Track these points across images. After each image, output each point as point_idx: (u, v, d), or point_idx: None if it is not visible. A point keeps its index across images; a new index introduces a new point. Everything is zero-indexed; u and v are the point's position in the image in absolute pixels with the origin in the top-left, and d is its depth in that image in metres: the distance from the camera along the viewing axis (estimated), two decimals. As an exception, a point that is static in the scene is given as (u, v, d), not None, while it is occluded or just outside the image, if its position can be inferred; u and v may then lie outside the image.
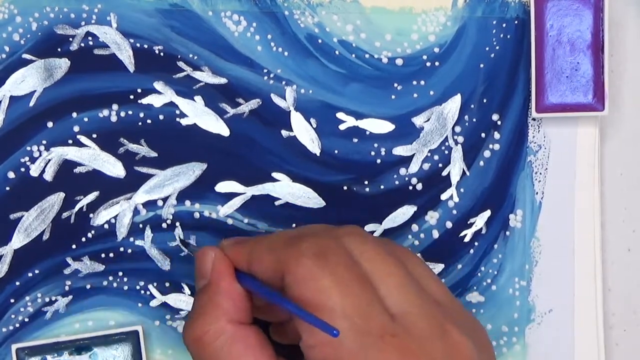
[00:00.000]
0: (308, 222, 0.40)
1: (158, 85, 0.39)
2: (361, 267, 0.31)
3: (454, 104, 0.40)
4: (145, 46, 0.39)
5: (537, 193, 0.41)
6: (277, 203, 0.40)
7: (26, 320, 0.39)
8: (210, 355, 0.32)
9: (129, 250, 0.40)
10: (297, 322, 0.31)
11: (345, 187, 0.40)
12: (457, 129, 0.40)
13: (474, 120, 0.40)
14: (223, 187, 0.40)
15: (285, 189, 0.40)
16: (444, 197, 0.41)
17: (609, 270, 0.42)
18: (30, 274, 0.39)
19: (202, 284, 0.34)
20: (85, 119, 0.39)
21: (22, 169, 0.39)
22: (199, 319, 0.32)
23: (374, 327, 0.30)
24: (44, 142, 0.39)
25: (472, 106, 0.40)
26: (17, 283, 0.39)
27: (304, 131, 0.40)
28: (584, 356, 0.40)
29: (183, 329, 0.33)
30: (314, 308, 0.30)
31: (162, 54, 0.39)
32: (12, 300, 0.39)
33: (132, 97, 0.39)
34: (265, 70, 0.40)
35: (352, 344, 0.30)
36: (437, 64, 0.40)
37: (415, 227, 0.41)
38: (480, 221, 0.41)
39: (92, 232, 0.40)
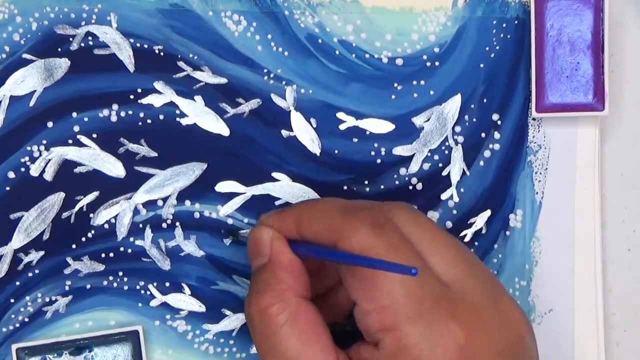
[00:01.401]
0: (308, 222, 0.40)
1: (158, 85, 0.39)
2: (412, 238, 0.32)
3: (454, 103, 0.40)
4: (146, 46, 0.39)
5: (537, 193, 0.41)
6: (277, 203, 0.40)
7: (26, 320, 0.39)
8: (274, 328, 0.32)
9: (129, 250, 0.40)
10: (352, 288, 0.32)
11: (345, 187, 0.40)
12: (457, 128, 0.40)
13: (474, 120, 0.40)
14: (223, 187, 0.40)
15: (286, 189, 0.40)
16: (444, 197, 0.41)
17: (609, 270, 0.42)
18: (30, 274, 0.39)
19: (260, 262, 0.34)
20: (86, 119, 0.39)
21: (22, 169, 0.39)
22: (263, 292, 0.32)
23: (429, 293, 0.31)
24: (44, 142, 0.39)
25: (472, 106, 0.40)
26: (17, 283, 0.39)
27: (304, 131, 0.40)
28: (584, 356, 0.40)
29: (246, 303, 0.33)
30: (369, 275, 0.31)
31: (162, 53, 0.39)
32: (12, 300, 0.39)
33: (132, 97, 0.39)
34: (265, 70, 0.40)
35: (409, 309, 0.30)
36: (437, 63, 0.40)
37: (415, 227, 0.41)
38: (480, 221, 0.41)
39: (92, 232, 0.40)
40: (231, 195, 0.40)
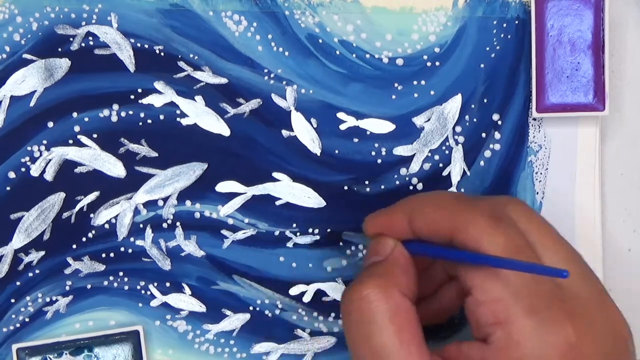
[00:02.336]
0: (308, 222, 0.40)
1: (159, 85, 0.39)
2: (526, 235, 0.32)
3: (455, 103, 0.40)
4: (146, 46, 0.39)
5: (537, 193, 0.41)
6: (277, 203, 0.40)
7: (27, 320, 0.39)
8: (372, 318, 0.31)
9: (130, 250, 0.40)
10: (468, 278, 0.31)
11: (345, 187, 0.40)
12: (458, 128, 0.40)
13: (475, 120, 0.40)
14: (223, 187, 0.40)
15: (286, 189, 0.40)
16: (444, 197, 0.41)
17: (609, 270, 0.42)
18: (30, 274, 0.39)
19: (375, 259, 0.34)
20: (86, 119, 0.39)
21: (23, 169, 0.39)
22: (369, 281, 0.32)
23: (545, 290, 0.31)
24: (45, 142, 0.39)
25: (473, 106, 0.40)
26: (18, 283, 0.39)
27: (304, 131, 0.40)
28: (585, 356, 0.40)
29: (347, 289, 0.32)
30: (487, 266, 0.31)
31: (162, 53, 0.39)
32: (12, 300, 0.39)
33: (132, 97, 0.39)
34: (265, 70, 0.40)
35: (524, 304, 0.30)
36: (437, 64, 0.40)
37: (415, 227, 0.41)
38: (480, 221, 0.40)
39: (93, 232, 0.40)
40: (231, 195, 0.40)
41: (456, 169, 0.40)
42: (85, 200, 0.39)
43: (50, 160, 0.39)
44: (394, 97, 0.40)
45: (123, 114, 0.39)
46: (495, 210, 0.32)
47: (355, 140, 0.40)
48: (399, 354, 0.31)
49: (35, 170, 0.39)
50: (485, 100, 0.40)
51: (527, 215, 0.33)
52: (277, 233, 0.40)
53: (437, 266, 0.37)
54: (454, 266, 0.33)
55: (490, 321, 0.31)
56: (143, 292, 0.40)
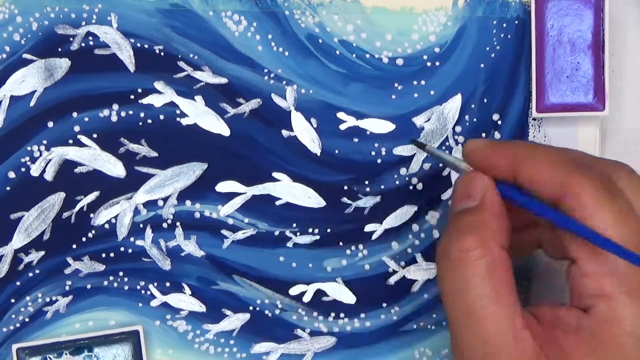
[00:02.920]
0: (308, 222, 0.40)
1: (158, 85, 0.39)
2: (635, 207, 0.31)
3: (455, 103, 0.40)
4: (146, 46, 0.39)
5: (537, 193, 0.41)
6: (277, 203, 0.40)
7: (27, 320, 0.39)
8: (471, 272, 0.31)
9: (130, 250, 0.40)
10: (575, 247, 0.30)
11: (345, 187, 0.40)
12: (458, 128, 0.40)
13: (475, 120, 0.40)
14: (223, 187, 0.40)
15: (286, 189, 0.40)
16: (444, 196, 0.41)
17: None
18: (30, 274, 0.39)
19: (467, 205, 0.33)
20: (86, 119, 0.39)
21: (23, 169, 0.39)
22: (468, 234, 0.31)
23: None
24: (45, 142, 0.39)
25: (473, 106, 0.40)
26: (18, 283, 0.39)
27: (304, 131, 0.40)
28: (585, 356, 0.40)
29: (443, 241, 0.32)
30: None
31: (162, 53, 0.39)
32: (12, 300, 0.39)
33: (132, 97, 0.39)
34: (265, 70, 0.40)
35: (633, 282, 0.30)
36: (437, 63, 0.40)
37: (415, 227, 0.41)
38: (480, 221, 0.40)
39: (93, 232, 0.40)
40: (231, 195, 0.40)
41: (456, 169, 0.40)
42: (85, 200, 0.39)
43: (50, 160, 0.39)
44: (394, 97, 0.40)
45: (123, 113, 0.39)
46: (609, 177, 0.31)
47: (355, 140, 0.40)
48: (495, 309, 0.30)
49: (35, 170, 0.39)
50: (485, 100, 0.40)
51: (636, 187, 0.32)
52: (277, 233, 0.40)
53: (523, 215, 0.35)
54: (554, 230, 0.32)
55: (595, 293, 0.30)
56: (143, 292, 0.40)
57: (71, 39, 0.39)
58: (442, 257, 0.32)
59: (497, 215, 0.32)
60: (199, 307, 0.40)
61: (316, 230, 0.40)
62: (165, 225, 0.40)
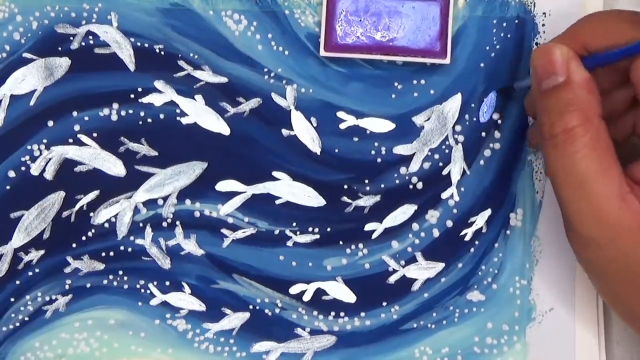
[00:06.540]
0: (308, 222, 0.40)
1: (158, 84, 0.39)
2: None
3: (455, 103, 0.40)
4: (146, 45, 0.39)
5: (537, 192, 0.41)
6: (277, 202, 0.40)
7: (26, 319, 0.39)
8: (577, 148, 0.32)
9: (129, 249, 0.40)
10: None
11: (345, 186, 0.40)
12: (458, 128, 0.40)
13: (475, 119, 0.40)
14: (223, 186, 0.40)
15: (286, 188, 0.40)
16: (444, 196, 0.41)
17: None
18: (30, 273, 0.39)
19: (554, 82, 0.33)
20: (86, 118, 0.39)
21: (23, 168, 0.39)
22: (570, 112, 0.33)
23: None
24: (45, 141, 0.39)
25: (473, 105, 0.40)
26: (17, 282, 0.39)
27: (304, 130, 0.40)
28: (585, 355, 0.40)
29: (545, 122, 0.33)
30: None
31: (162, 52, 0.39)
32: (12, 299, 0.39)
33: (132, 96, 0.39)
34: (265, 70, 0.40)
35: None
36: (437, 63, 0.40)
37: (415, 226, 0.41)
38: (480, 220, 0.40)
39: (93, 230, 0.40)
40: (231, 194, 0.40)
41: (456, 168, 0.40)
42: (85, 199, 0.39)
43: (50, 159, 0.39)
44: (393, 96, 0.40)
45: (123, 113, 0.39)
46: None
47: (355, 139, 0.40)
48: (601, 177, 0.32)
49: (35, 169, 0.39)
50: (485, 100, 0.40)
51: None
52: (277, 232, 0.40)
53: (618, 95, 0.36)
54: (637, 89, 0.33)
55: None
56: (143, 291, 0.40)
57: (71, 38, 0.39)
58: (547, 139, 0.33)
59: (588, 87, 0.33)
60: (198, 306, 0.40)
61: (316, 229, 0.40)
62: (165, 224, 0.40)
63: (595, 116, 0.33)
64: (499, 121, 0.41)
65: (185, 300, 0.40)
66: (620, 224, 0.32)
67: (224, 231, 0.40)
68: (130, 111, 0.39)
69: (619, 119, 0.37)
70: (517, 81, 0.39)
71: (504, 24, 0.40)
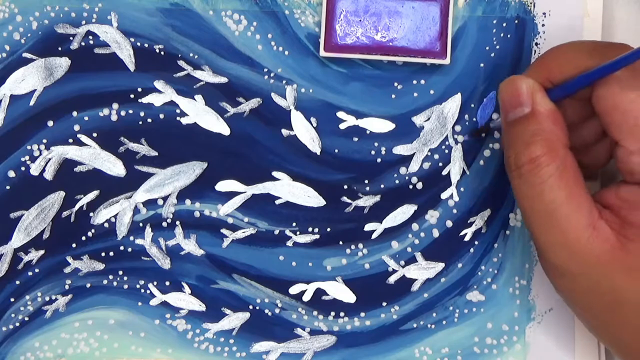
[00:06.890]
0: (308, 222, 0.40)
1: (158, 84, 0.39)
2: None
3: (454, 103, 0.40)
4: (146, 45, 0.39)
5: (537, 192, 0.41)
6: (277, 202, 0.40)
7: (26, 319, 0.39)
8: (543, 178, 0.33)
9: (129, 249, 0.40)
10: (615, 129, 0.33)
11: (345, 186, 0.40)
12: (458, 128, 0.40)
13: (474, 119, 0.40)
14: (223, 186, 0.40)
15: (286, 188, 0.40)
16: (444, 196, 0.41)
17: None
18: (30, 273, 0.39)
19: (520, 113, 0.34)
20: (86, 118, 0.39)
21: (23, 168, 0.39)
22: (534, 143, 0.33)
23: None
24: (45, 141, 0.39)
25: (473, 105, 0.40)
26: (17, 282, 0.39)
27: (304, 130, 0.40)
28: (584, 355, 0.40)
29: (511, 154, 0.34)
30: (632, 115, 0.32)
31: (162, 53, 0.39)
32: (12, 299, 0.39)
33: (132, 96, 0.39)
34: (265, 70, 0.40)
35: None
36: (437, 63, 0.40)
37: (415, 226, 0.41)
38: (480, 220, 0.41)
39: (93, 231, 0.40)
40: (231, 195, 0.40)
41: (456, 168, 0.40)
42: (85, 199, 0.39)
43: (50, 159, 0.39)
44: (393, 96, 0.40)
45: (123, 113, 0.39)
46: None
47: (355, 139, 0.40)
48: (569, 206, 0.32)
49: (35, 169, 0.39)
50: (485, 100, 0.40)
51: None
52: (277, 232, 0.40)
53: (588, 126, 0.36)
54: (601, 118, 0.33)
55: None
56: (142, 291, 0.40)
57: (71, 38, 0.39)
58: (513, 169, 0.34)
59: (552, 118, 0.34)
60: (198, 306, 0.40)
61: (316, 230, 0.40)
62: (165, 224, 0.40)
63: (561, 146, 0.33)
64: (499, 121, 0.41)
65: (185, 300, 0.40)
66: (590, 254, 0.32)
67: (224, 231, 0.40)
68: (130, 111, 0.39)
69: (593, 147, 0.37)
70: (492, 122, 0.40)
71: (504, 24, 0.40)
